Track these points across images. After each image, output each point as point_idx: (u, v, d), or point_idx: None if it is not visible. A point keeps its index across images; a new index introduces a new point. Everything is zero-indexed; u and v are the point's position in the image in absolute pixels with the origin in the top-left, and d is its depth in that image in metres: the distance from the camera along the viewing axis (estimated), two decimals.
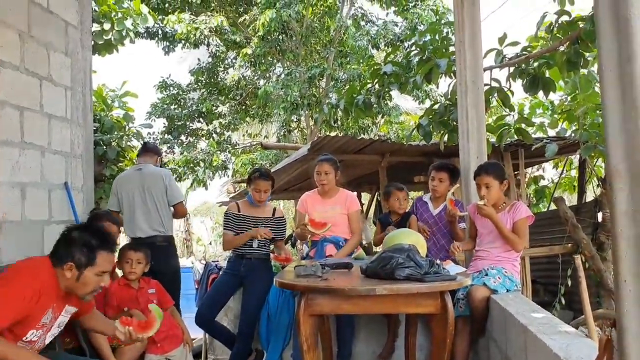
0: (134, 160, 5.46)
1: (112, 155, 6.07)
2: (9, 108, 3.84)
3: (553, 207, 7.96)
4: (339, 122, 13.18)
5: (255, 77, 15.78)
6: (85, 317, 2.80)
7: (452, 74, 5.29)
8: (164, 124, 15.74)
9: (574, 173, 9.66)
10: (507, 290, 3.30)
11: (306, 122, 15.16)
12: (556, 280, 6.71)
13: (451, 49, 5.30)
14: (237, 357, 3.95)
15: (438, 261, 2.89)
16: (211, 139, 15.79)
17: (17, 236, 3.87)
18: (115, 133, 6.34)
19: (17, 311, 2.30)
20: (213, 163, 14.86)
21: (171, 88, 15.79)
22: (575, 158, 9.08)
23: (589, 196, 8.59)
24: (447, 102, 5.31)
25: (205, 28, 13.39)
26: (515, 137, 5.54)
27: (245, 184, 6.74)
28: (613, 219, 1.62)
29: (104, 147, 6.02)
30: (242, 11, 14.96)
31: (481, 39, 4.27)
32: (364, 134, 13.54)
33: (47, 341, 2.54)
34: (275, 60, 14.76)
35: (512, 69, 5.19)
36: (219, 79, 15.94)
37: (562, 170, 9.77)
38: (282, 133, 15.14)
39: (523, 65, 5.16)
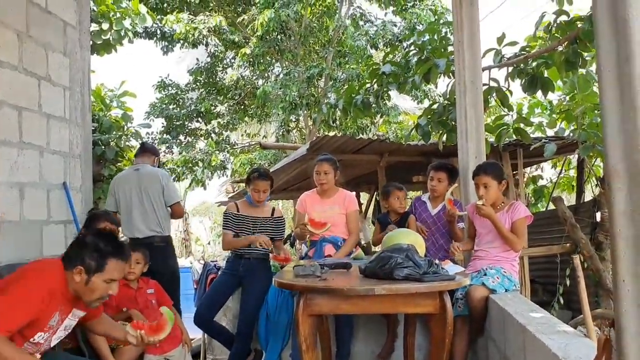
0: (132, 161, 5.46)
1: (111, 155, 6.07)
2: (7, 108, 3.84)
3: (552, 206, 7.96)
4: (338, 122, 13.19)
5: (254, 77, 15.78)
6: (94, 321, 2.79)
7: (450, 74, 5.29)
8: (163, 123, 15.75)
9: (573, 173, 9.67)
10: (506, 290, 3.30)
11: (305, 122, 15.16)
12: (555, 280, 6.72)
13: (450, 48, 5.30)
14: (236, 357, 3.95)
15: (437, 261, 2.89)
16: (210, 139, 15.79)
17: (16, 236, 3.86)
18: (114, 133, 6.34)
19: (29, 314, 2.31)
20: (212, 163, 14.86)
21: (170, 88, 15.79)
22: (573, 158, 9.09)
23: (588, 196, 8.61)
24: (446, 101, 5.32)
25: (203, 28, 13.39)
26: (514, 136, 5.55)
27: (244, 184, 6.73)
28: (611, 218, 1.62)
29: (103, 147, 6.02)
30: (240, 11, 14.95)
31: (480, 39, 4.27)
32: (363, 134, 13.54)
33: (52, 344, 2.54)
34: (273, 60, 14.76)
35: (510, 68, 5.20)
36: (218, 79, 15.94)
37: (561, 170, 9.78)
38: (280, 133, 15.15)
39: (521, 65, 5.16)
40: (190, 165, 14.63)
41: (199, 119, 15.78)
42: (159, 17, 13.56)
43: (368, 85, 6.23)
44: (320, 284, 2.69)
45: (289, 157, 8.60)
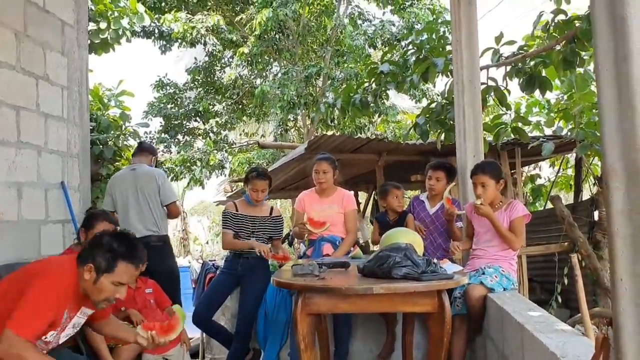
0: (130, 160, 5.46)
1: (109, 154, 6.06)
2: (5, 107, 3.83)
3: (550, 205, 7.97)
4: (336, 121, 13.20)
5: (252, 76, 15.77)
6: (102, 322, 2.78)
7: (448, 73, 5.28)
8: (161, 123, 15.73)
9: (571, 172, 9.67)
10: (504, 289, 3.30)
11: (303, 121, 15.15)
12: (553, 278, 6.72)
13: (448, 48, 5.30)
14: (234, 356, 3.95)
15: (435, 260, 2.89)
16: (208, 138, 15.79)
17: (14, 236, 3.86)
18: (112, 132, 6.33)
19: (50, 317, 2.33)
20: (210, 162, 14.85)
21: (168, 87, 15.77)
22: (571, 157, 9.10)
23: (585, 195, 8.62)
24: (444, 101, 5.31)
25: (201, 27, 13.38)
26: (512, 135, 5.55)
27: (242, 183, 6.73)
28: (609, 217, 1.62)
29: (101, 146, 6.01)
30: (238, 10, 14.94)
31: (478, 38, 4.27)
32: (361, 133, 13.53)
33: (60, 341, 2.53)
34: (272, 60, 14.75)
35: (508, 68, 5.19)
36: (216, 78, 15.92)
37: (559, 168, 9.79)
38: (279, 132, 15.14)
39: (519, 64, 5.16)
40: (188, 164, 14.62)
41: (197, 118, 15.76)
42: (156, 16, 13.53)
43: (366, 84, 6.22)
44: (319, 283, 2.69)
45: (287, 157, 8.60)
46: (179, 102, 15.74)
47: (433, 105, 5.49)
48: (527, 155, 7.82)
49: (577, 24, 4.66)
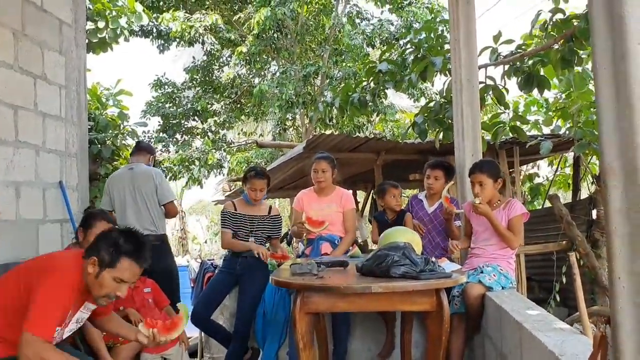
0: (128, 159, 5.45)
1: (107, 153, 6.05)
2: (3, 107, 3.83)
3: (548, 204, 7.98)
4: (334, 121, 13.19)
5: (250, 76, 15.75)
6: (104, 319, 2.78)
7: (447, 72, 5.28)
8: (159, 122, 15.72)
9: (569, 170, 9.69)
10: (502, 288, 3.31)
11: (301, 121, 15.15)
12: (551, 277, 6.73)
13: (446, 47, 5.30)
14: (233, 355, 3.95)
15: (433, 259, 2.89)
16: (206, 138, 15.77)
17: (12, 235, 3.85)
18: (110, 131, 6.32)
19: (61, 315, 2.35)
20: (208, 161, 14.83)
21: (166, 86, 15.76)
22: (569, 155, 9.11)
23: (584, 193, 8.63)
24: (442, 100, 5.31)
25: (200, 26, 13.36)
26: (510, 134, 5.55)
27: (240, 183, 6.73)
28: (607, 216, 1.62)
29: (99, 145, 6.00)
30: (236, 9, 14.93)
31: (476, 37, 4.27)
32: (359, 132, 13.54)
33: (64, 337, 2.54)
34: (270, 59, 14.74)
35: (506, 66, 5.19)
36: (214, 77, 15.91)
37: (557, 167, 9.80)
38: (277, 131, 15.14)
39: (518, 63, 5.16)
40: (186, 163, 14.60)
41: (196, 117, 15.75)
42: (155, 15, 13.52)
43: (364, 83, 6.21)
44: (317, 282, 2.69)
45: (286, 156, 8.59)
46: (177, 102, 15.73)
47: (431, 104, 5.49)
48: (526, 154, 7.82)
49: (575, 23, 4.66)
